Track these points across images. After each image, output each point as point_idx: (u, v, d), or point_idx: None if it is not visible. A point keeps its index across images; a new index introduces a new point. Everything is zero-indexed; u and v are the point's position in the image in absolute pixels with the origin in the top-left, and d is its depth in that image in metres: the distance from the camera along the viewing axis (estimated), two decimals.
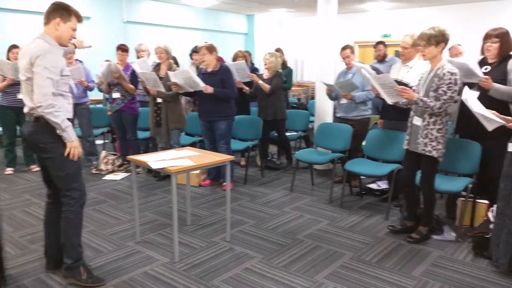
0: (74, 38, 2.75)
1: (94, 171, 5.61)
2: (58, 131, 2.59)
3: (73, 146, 2.65)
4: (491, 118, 2.92)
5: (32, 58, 2.49)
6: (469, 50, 5.96)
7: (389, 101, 3.50)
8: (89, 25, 8.23)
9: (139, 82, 5.35)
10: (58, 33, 2.62)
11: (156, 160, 3.18)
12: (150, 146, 5.79)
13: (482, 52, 3.56)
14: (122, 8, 9.01)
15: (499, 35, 3.41)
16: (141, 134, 5.74)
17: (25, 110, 2.66)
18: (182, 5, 10.23)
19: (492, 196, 3.62)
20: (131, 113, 5.40)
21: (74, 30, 2.69)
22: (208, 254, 3.27)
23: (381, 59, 5.71)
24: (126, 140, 5.57)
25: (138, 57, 6.07)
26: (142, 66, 5.37)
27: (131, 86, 5.23)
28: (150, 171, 5.42)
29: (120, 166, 5.70)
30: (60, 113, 2.55)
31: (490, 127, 3.00)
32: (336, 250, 3.35)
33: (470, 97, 3.05)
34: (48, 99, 2.49)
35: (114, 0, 8.87)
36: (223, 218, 3.99)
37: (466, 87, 3.17)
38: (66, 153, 2.64)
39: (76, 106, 5.51)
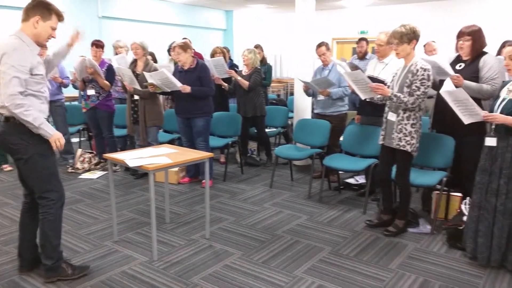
0: (53, 37, 2.66)
1: (70, 170, 5.50)
2: (33, 130, 2.52)
3: (55, 139, 2.59)
4: (468, 111, 2.97)
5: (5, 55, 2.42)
6: (445, 46, 6.07)
7: (363, 96, 3.55)
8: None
9: (116, 79, 5.28)
10: (36, 31, 2.54)
11: (133, 158, 3.14)
12: (128, 143, 5.71)
13: (456, 50, 3.63)
14: (97, 2, 8.82)
15: (471, 33, 3.47)
16: (118, 132, 5.65)
17: None
18: (159, 0, 10.09)
19: (465, 189, 3.73)
20: (106, 110, 5.31)
21: (54, 29, 2.62)
22: (187, 252, 3.26)
23: (362, 56, 5.76)
24: (103, 138, 5.48)
25: (116, 54, 5.97)
26: (120, 63, 5.29)
27: (106, 82, 5.14)
28: (127, 169, 5.35)
29: (96, 164, 5.61)
30: (31, 111, 2.47)
31: (466, 121, 3.05)
32: (315, 245, 3.39)
33: (450, 91, 3.07)
34: (15, 98, 2.41)
35: None
36: (202, 216, 3.97)
37: (448, 80, 3.21)
38: (53, 148, 2.59)
39: (50, 103, 5.37)
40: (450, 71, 3.44)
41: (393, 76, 3.51)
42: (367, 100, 3.62)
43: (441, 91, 3.11)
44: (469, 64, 3.52)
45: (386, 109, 3.51)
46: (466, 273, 2.94)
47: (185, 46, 4.53)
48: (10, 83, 2.41)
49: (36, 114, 2.51)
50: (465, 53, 3.54)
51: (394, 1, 9.89)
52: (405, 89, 3.27)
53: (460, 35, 3.54)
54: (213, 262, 3.10)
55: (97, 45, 5.24)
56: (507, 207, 2.85)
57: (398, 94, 3.25)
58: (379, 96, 3.43)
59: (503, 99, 2.88)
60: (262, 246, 3.36)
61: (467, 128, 3.43)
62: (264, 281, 2.84)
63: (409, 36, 3.22)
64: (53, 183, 2.70)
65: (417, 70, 3.22)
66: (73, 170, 5.48)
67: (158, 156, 3.21)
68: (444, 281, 2.83)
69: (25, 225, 2.83)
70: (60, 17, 2.63)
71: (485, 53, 3.52)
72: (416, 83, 3.22)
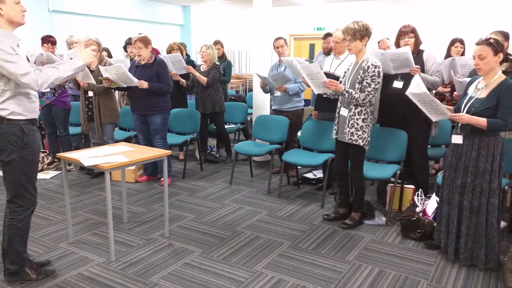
0: (25, 11, 2.48)
1: None
2: (72, 72, 2.53)
3: (85, 58, 2.64)
4: (435, 111, 2.96)
5: None
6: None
7: (316, 91, 3.62)
8: None
9: None
10: (5, 16, 2.38)
11: (88, 157, 3.04)
12: (83, 142, 5.53)
13: (398, 47, 3.78)
14: None
15: (413, 31, 3.73)
16: (73, 130, 5.46)
17: None
18: None
19: (417, 180, 3.90)
20: (62, 107, 5.11)
21: (18, 3, 2.43)
22: (146, 252, 3.21)
23: (328, 51, 5.86)
24: (57, 136, 5.27)
25: (69, 49, 5.74)
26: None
27: None
28: (83, 168, 5.18)
29: (50, 164, 5.39)
30: (49, 75, 2.43)
31: (434, 119, 3.08)
32: (274, 239, 3.43)
33: (415, 93, 2.99)
34: (29, 78, 2.34)
35: None
36: (161, 214, 3.92)
37: (414, 82, 3.09)
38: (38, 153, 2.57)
39: None
40: (413, 63, 3.57)
41: (345, 72, 3.60)
42: (324, 95, 3.70)
43: (407, 93, 3.07)
44: (415, 59, 3.68)
45: (339, 104, 3.59)
46: (418, 262, 3.08)
47: (146, 41, 4.44)
48: (11, 69, 2.31)
49: (52, 72, 2.45)
50: (411, 50, 3.70)
51: None
52: (357, 85, 3.37)
53: (403, 34, 3.75)
54: (172, 260, 3.07)
55: (52, 42, 5.02)
56: (473, 205, 2.89)
57: (350, 90, 3.34)
58: (329, 92, 3.52)
59: (470, 97, 2.87)
60: (222, 243, 3.36)
61: (413, 120, 3.61)
62: (224, 277, 2.84)
63: (362, 33, 3.31)
64: (28, 190, 2.60)
65: (368, 67, 3.31)
66: None
67: (114, 155, 3.12)
68: (398, 270, 2.95)
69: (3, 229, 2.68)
70: None
71: (422, 50, 3.79)
72: (367, 79, 3.32)
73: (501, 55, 2.74)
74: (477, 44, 2.79)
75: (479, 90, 2.85)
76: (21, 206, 2.59)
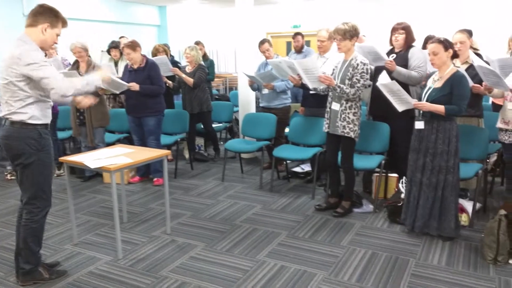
0: (56, 43, 2.70)
1: (9, 177, 5.27)
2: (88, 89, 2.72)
3: (103, 78, 2.83)
4: (401, 100, 3.37)
5: (19, 61, 2.45)
6: (377, 40, 6.51)
7: (311, 85, 3.82)
8: None
9: None
10: (43, 38, 2.57)
11: (92, 159, 3.16)
12: (71, 146, 5.57)
13: (391, 43, 4.04)
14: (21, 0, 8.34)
15: (405, 28, 3.93)
16: (61, 134, 5.50)
17: (1, 114, 2.57)
18: None
19: (400, 170, 4.16)
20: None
21: (58, 35, 2.65)
22: (151, 248, 3.35)
23: (299, 49, 6.06)
24: None
25: (45, 55, 5.74)
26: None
27: None
28: (73, 172, 5.22)
29: None
30: (69, 85, 2.58)
31: (400, 109, 3.46)
32: (272, 230, 3.62)
33: (385, 84, 3.44)
34: (63, 93, 2.55)
35: None
36: (159, 213, 4.05)
37: (384, 73, 3.57)
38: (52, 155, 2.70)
39: None
40: (385, 56, 3.82)
41: (333, 69, 3.82)
42: (313, 92, 3.91)
43: (377, 84, 3.48)
44: (400, 55, 3.94)
45: (329, 99, 3.81)
46: (406, 243, 3.34)
47: (133, 45, 4.55)
48: (50, 85, 2.50)
49: (69, 83, 2.60)
50: (399, 45, 3.95)
51: None
52: (347, 81, 3.61)
53: (394, 30, 3.97)
54: (178, 255, 3.22)
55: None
56: (432, 181, 3.30)
57: (342, 86, 3.58)
58: (323, 86, 3.74)
59: (429, 88, 3.31)
60: (223, 236, 3.53)
61: (399, 113, 3.86)
62: (230, 267, 3.02)
63: (351, 33, 3.55)
64: (45, 191, 2.72)
65: (357, 64, 3.56)
66: (13, 177, 5.24)
67: (117, 156, 3.25)
68: (389, 252, 3.20)
69: (18, 232, 2.78)
70: (65, 24, 2.68)
71: (413, 46, 3.98)
72: (356, 76, 3.56)
73: (450, 51, 3.20)
74: (431, 42, 3.26)
75: (436, 81, 3.30)
76: (38, 207, 2.71)
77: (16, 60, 2.47)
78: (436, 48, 3.19)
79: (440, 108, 3.16)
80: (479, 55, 3.86)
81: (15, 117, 2.55)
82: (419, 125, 3.36)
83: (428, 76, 3.49)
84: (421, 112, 3.35)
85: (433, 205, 3.33)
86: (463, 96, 3.16)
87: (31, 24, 2.57)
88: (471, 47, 3.97)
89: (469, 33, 3.91)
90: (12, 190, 4.83)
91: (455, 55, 3.30)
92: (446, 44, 3.19)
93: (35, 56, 2.50)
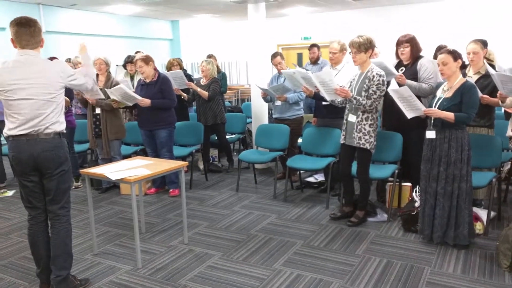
0: None
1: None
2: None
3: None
4: (411, 107, 3.42)
5: (62, 74, 2.74)
6: (385, 51, 6.61)
7: (328, 98, 3.89)
8: (4, 37, 7.79)
9: (74, 95, 5.27)
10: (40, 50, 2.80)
11: (112, 171, 3.26)
12: (92, 158, 5.70)
13: (397, 57, 4.09)
14: (40, 17, 8.61)
15: (409, 40, 3.95)
16: (78, 147, 5.64)
17: (42, 128, 2.68)
18: (103, 13, 10.00)
19: (414, 179, 4.18)
20: (67, 126, 5.23)
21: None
22: (169, 258, 3.42)
23: (315, 61, 6.14)
24: None
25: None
26: None
27: (66, 98, 5.12)
28: (91, 184, 5.33)
29: None
30: (87, 78, 2.98)
31: (409, 115, 3.51)
32: (287, 240, 3.68)
33: (396, 89, 3.50)
34: (90, 86, 3.01)
35: (31, 9, 8.45)
36: (176, 223, 4.14)
37: (393, 81, 3.68)
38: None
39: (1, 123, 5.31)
40: (394, 71, 3.88)
41: (351, 82, 3.89)
42: (326, 103, 3.98)
43: (388, 90, 3.55)
44: (409, 68, 3.99)
45: (346, 111, 3.89)
46: (421, 251, 3.37)
47: (147, 59, 4.69)
48: (88, 87, 2.99)
49: (90, 79, 3.01)
50: (406, 58, 4.00)
51: (334, 8, 10.49)
52: (363, 93, 3.68)
53: (399, 43, 4.01)
54: (196, 264, 3.29)
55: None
56: (447, 190, 3.33)
57: (358, 97, 3.66)
58: (340, 99, 3.81)
59: (439, 98, 3.36)
60: (239, 246, 3.59)
61: (411, 124, 3.91)
62: (247, 276, 3.08)
63: (366, 46, 3.63)
64: (69, 195, 2.92)
65: (373, 76, 3.64)
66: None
67: (136, 168, 3.34)
68: (404, 260, 3.23)
69: (46, 242, 2.87)
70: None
71: (421, 57, 4.01)
72: (373, 87, 3.64)
73: (459, 61, 3.28)
74: (440, 53, 3.32)
75: (445, 91, 3.35)
76: (68, 210, 2.88)
77: (61, 74, 2.73)
78: (446, 59, 3.26)
79: (449, 115, 3.21)
80: (492, 66, 3.87)
81: (57, 128, 2.73)
82: (430, 134, 3.40)
83: (437, 86, 3.54)
84: (432, 121, 3.39)
85: (449, 214, 3.35)
86: (472, 104, 3.23)
87: (36, 45, 2.72)
88: (485, 58, 3.99)
89: (484, 43, 3.93)
90: None
91: (463, 66, 3.35)
92: (455, 55, 3.26)
93: (70, 68, 2.85)
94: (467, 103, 3.21)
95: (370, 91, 3.66)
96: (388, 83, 3.84)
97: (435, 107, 3.35)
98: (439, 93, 3.41)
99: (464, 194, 3.30)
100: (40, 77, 2.64)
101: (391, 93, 3.52)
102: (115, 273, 3.20)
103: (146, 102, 4.60)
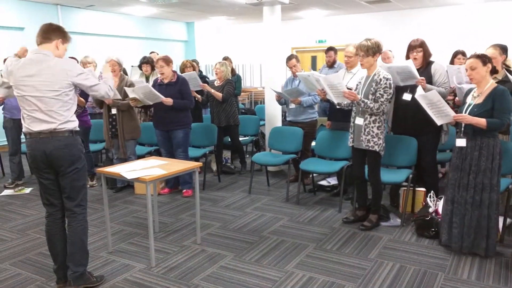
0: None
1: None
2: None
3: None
4: (440, 113, 3.31)
5: (70, 72, 2.73)
6: (398, 54, 6.59)
7: (336, 101, 3.89)
8: (22, 37, 7.96)
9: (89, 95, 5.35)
10: (58, 52, 2.80)
11: (127, 171, 3.31)
12: (107, 157, 5.78)
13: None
14: (57, 17, 8.77)
15: (421, 45, 3.95)
16: (93, 147, 5.72)
17: (53, 126, 2.72)
18: (120, 14, 10.15)
19: (427, 184, 4.16)
20: (82, 126, 5.35)
21: (66, 50, 2.91)
22: (182, 257, 3.45)
23: (331, 64, 6.16)
24: None
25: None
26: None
27: (81, 98, 5.21)
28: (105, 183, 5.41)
29: None
30: (104, 86, 2.94)
31: (439, 122, 3.41)
32: (300, 242, 3.68)
33: (424, 95, 3.39)
34: (106, 92, 2.95)
35: (49, 10, 8.63)
36: (189, 223, 4.17)
37: (420, 87, 3.64)
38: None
39: (14, 120, 5.43)
40: (417, 75, 3.84)
41: (357, 85, 3.90)
42: (338, 106, 3.98)
43: (416, 96, 3.45)
44: (422, 72, 3.96)
45: (353, 114, 3.88)
46: (435, 257, 3.34)
47: (167, 60, 4.75)
48: (99, 91, 2.90)
49: (106, 85, 2.96)
50: (419, 63, 3.98)
51: (348, 12, 10.49)
52: (370, 96, 3.68)
53: (412, 48, 3.99)
54: (208, 264, 3.32)
55: None
56: (475, 200, 3.23)
57: (366, 100, 3.65)
58: (347, 102, 3.81)
59: (469, 105, 3.25)
60: (252, 247, 3.61)
61: (424, 129, 3.88)
62: (259, 277, 3.10)
63: (374, 50, 3.63)
64: (86, 192, 2.97)
65: (380, 80, 3.63)
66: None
67: (151, 168, 3.39)
68: (417, 265, 3.21)
69: (63, 239, 2.93)
70: (69, 40, 2.92)
71: (432, 61, 4.01)
72: (380, 91, 3.63)
73: (489, 65, 3.18)
74: (468, 58, 3.24)
75: (475, 97, 3.25)
76: (84, 207, 2.93)
77: (68, 72, 2.73)
78: (474, 63, 3.16)
79: (481, 121, 3.09)
80: (510, 71, 3.83)
81: (69, 126, 2.77)
82: (460, 142, 3.28)
83: (466, 93, 3.44)
84: (462, 129, 3.27)
85: (479, 224, 3.25)
86: (506, 109, 3.10)
87: (44, 41, 2.78)
88: (503, 64, 3.95)
89: (503, 49, 3.88)
90: None
91: (494, 71, 3.25)
92: (484, 59, 3.16)
93: (80, 68, 2.82)
94: (499, 108, 3.09)
95: (377, 94, 3.65)
96: (413, 88, 3.81)
97: (465, 113, 3.22)
98: (469, 100, 3.29)
99: (494, 204, 3.21)
100: (45, 74, 2.69)
101: (418, 99, 3.39)
102: (129, 271, 3.24)
103: (169, 101, 4.65)
